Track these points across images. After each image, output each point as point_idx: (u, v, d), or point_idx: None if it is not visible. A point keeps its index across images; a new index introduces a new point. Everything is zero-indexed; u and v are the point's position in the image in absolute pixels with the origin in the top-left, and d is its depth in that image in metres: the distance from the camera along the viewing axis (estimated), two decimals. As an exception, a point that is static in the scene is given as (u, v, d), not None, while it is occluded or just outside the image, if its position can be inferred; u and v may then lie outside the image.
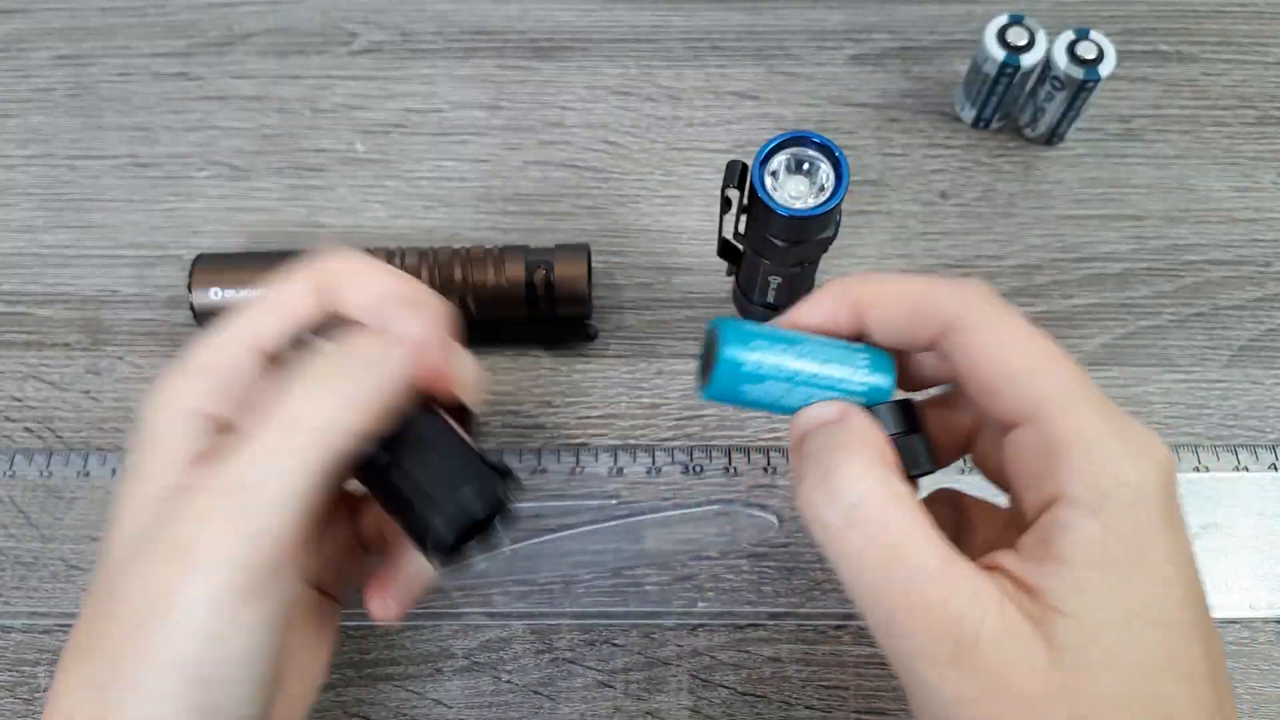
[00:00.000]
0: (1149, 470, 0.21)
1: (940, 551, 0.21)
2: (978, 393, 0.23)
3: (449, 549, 0.25)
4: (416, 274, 0.38)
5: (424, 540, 0.25)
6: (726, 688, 0.35)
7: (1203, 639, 0.21)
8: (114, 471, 0.38)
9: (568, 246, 0.39)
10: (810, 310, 0.25)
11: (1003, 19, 0.40)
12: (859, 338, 0.25)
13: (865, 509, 0.22)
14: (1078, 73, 0.40)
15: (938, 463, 0.25)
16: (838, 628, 0.36)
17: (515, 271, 0.38)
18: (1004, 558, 0.22)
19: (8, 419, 0.40)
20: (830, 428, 0.24)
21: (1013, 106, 0.43)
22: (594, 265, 0.40)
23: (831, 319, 0.25)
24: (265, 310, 0.26)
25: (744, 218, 0.35)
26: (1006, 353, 0.23)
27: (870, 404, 0.24)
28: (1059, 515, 0.21)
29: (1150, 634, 0.20)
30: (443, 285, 0.38)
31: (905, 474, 0.24)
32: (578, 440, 0.39)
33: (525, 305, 0.38)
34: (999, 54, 0.40)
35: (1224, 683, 0.21)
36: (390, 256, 0.38)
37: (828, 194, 0.33)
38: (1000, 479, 0.25)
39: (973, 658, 0.20)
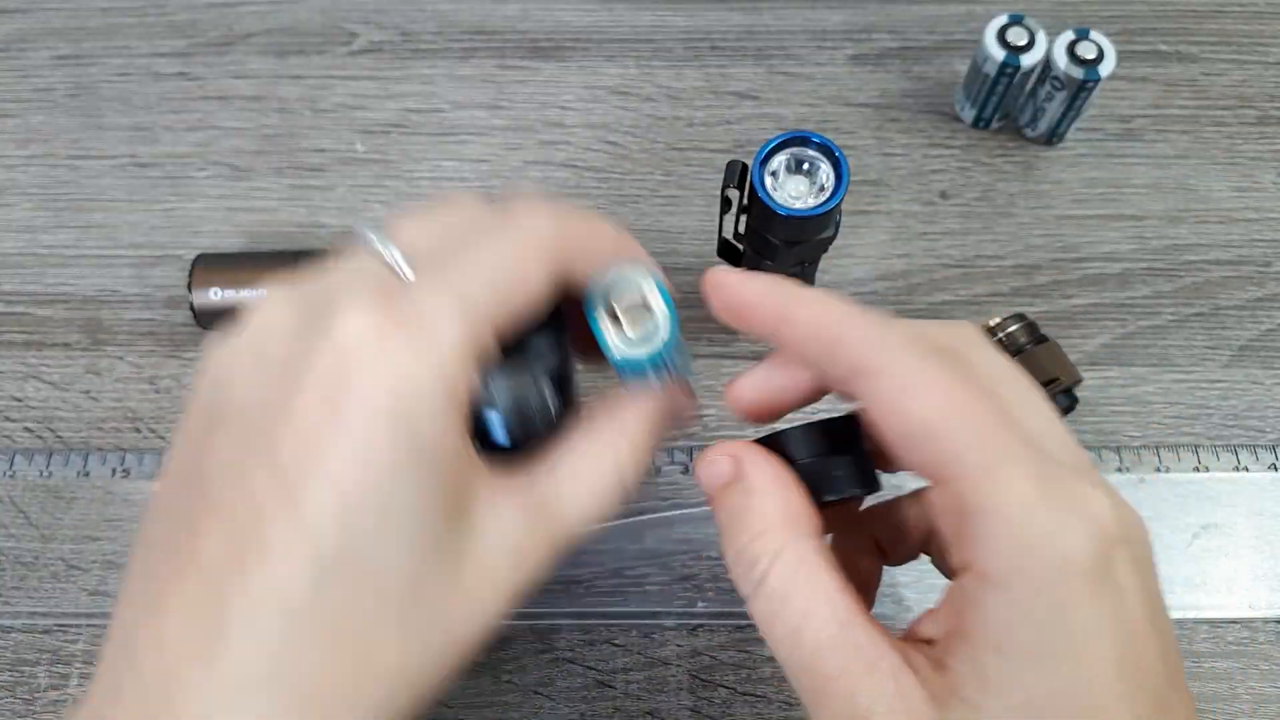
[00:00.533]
0: (1079, 540, 0.19)
1: (840, 620, 0.20)
2: (892, 447, 0.21)
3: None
4: None
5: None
6: (726, 687, 0.35)
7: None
8: (114, 471, 0.38)
9: None
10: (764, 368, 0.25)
11: (1003, 19, 0.40)
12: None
13: (767, 583, 0.21)
14: (1077, 73, 0.40)
15: (873, 483, 0.24)
16: (838, 628, 0.36)
17: None
18: (928, 622, 0.21)
19: (8, 419, 0.40)
20: (729, 491, 0.23)
21: (1013, 106, 0.43)
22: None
23: (779, 370, 0.24)
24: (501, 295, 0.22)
25: (744, 218, 0.35)
26: (918, 402, 0.20)
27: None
28: (967, 587, 0.20)
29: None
30: None
31: (819, 505, 0.23)
32: (578, 440, 0.39)
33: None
34: (999, 54, 0.40)
35: None
36: None
37: (828, 194, 0.33)
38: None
39: None
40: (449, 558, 0.20)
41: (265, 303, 0.21)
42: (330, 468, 0.18)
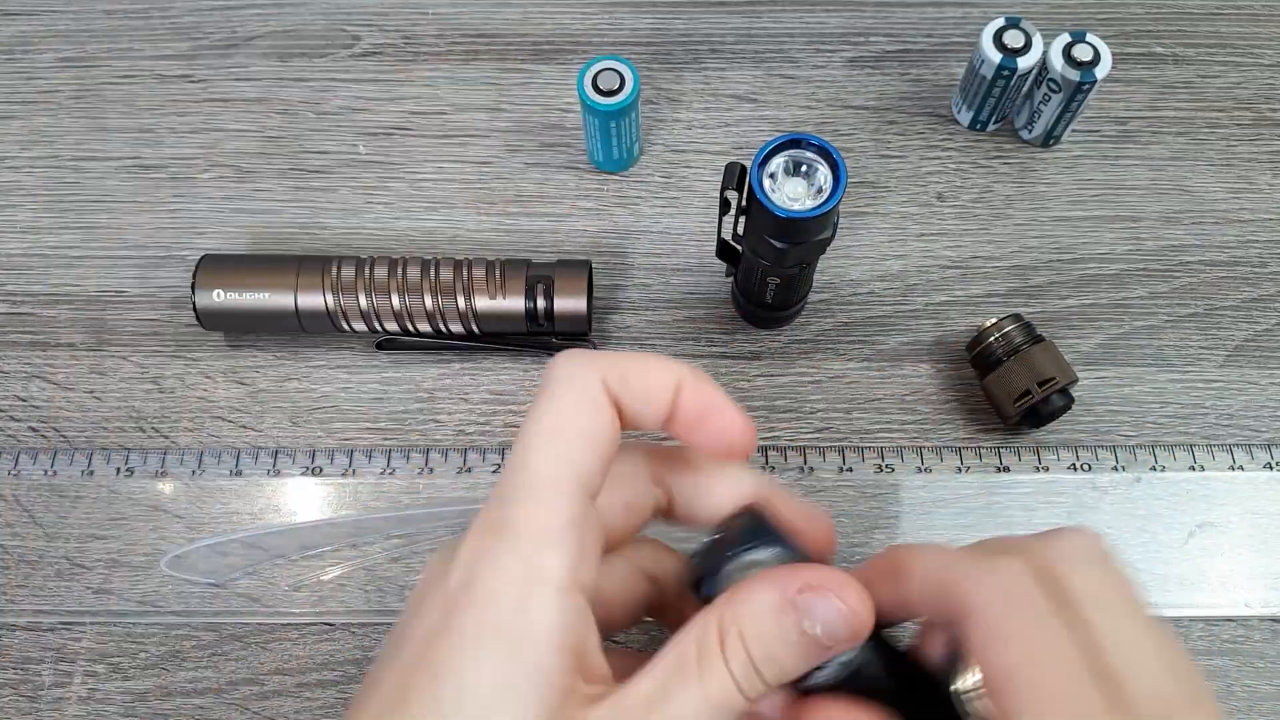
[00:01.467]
0: None
1: None
2: (990, 688, 0.21)
3: None
4: (418, 294, 0.38)
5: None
6: (725, 684, 0.35)
7: None
8: (118, 470, 0.38)
9: (568, 265, 0.39)
10: (864, 574, 0.24)
11: (999, 22, 0.41)
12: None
13: None
14: (1074, 75, 0.40)
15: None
16: (836, 625, 0.36)
17: (515, 297, 0.38)
18: None
19: (13, 419, 0.40)
20: None
21: (1009, 109, 0.44)
22: (594, 267, 0.41)
23: (877, 583, 0.24)
24: (579, 446, 0.23)
25: (742, 219, 0.35)
26: (1001, 655, 0.21)
27: None
28: None
29: None
30: (444, 310, 0.38)
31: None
32: (578, 439, 0.39)
33: (526, 323, 0.39)
34: (995, 57, 0.40)
35: None
36: (392, 266, 0.39)
37: (825, 195, 0.33)
38: None
39: None
40: None
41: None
42: (430, 665, 0.21)
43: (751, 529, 0.24)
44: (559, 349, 0.40)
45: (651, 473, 0.26)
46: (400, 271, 0.38)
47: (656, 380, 0.24)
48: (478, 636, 0.21)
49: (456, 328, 0.39)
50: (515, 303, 0.38)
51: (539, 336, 0.40)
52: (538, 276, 0.38)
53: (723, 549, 0.24)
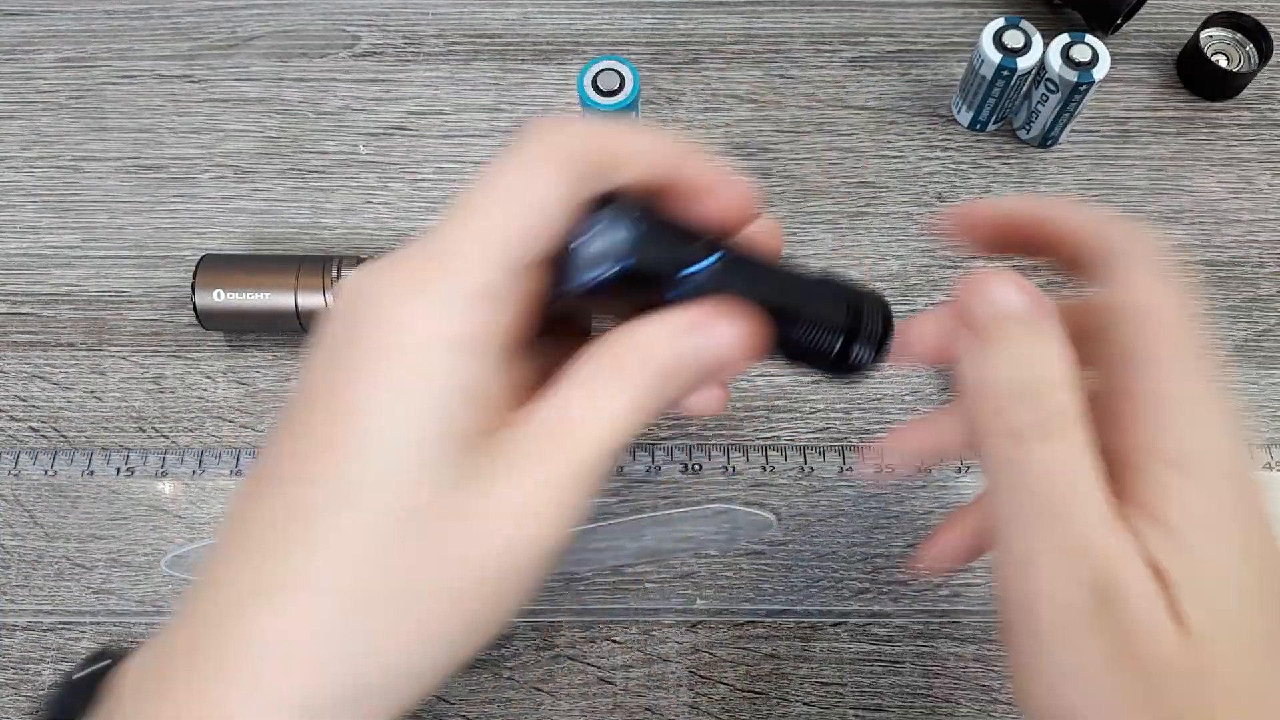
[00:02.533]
0: (1236, 442, 0.21)
1: (1105, 499, 0.20)
2: (1103, 324, 0.23)
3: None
4: None
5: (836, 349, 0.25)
6: (725, 684, 0.35)
7: None
8: (118, 470, 0.39)
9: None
10: (1001, 204, 0.25)
11: (999, 22, 0.41)
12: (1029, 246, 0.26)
13: (1055, 442, 0.21)
14: (1071, 75, 0.40)
15: None
16: (835, 625, 0.36)
17: None
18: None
19: (13, 418, 0.40)
20: (1020, 325, 0.23)
21: (1009, 109, 0.44)
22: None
23: (1013, 214, 0.25)
24: (513, 215, 0.22)
25: None
26: (1141, 295, 0.22)
27: None
28: (1151, 473, 0.20)
29: (1265, 607, 0.19)
30: None
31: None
32: (578, 439, 0.39)
33: None
34: (995, 57, 0.40)
35: None
36: None
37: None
38: None
39: (1110, 615, 0.19)
40: (458, 496, 0.20)
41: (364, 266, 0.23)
42: (337, 405, 0.21)
43: (601, 207, 0.23)
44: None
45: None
46: None
47: (653, 159, 0.23)
48: (390, 382, 0.21)
49: None
50: None
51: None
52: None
53: (568, 239, 0.23)
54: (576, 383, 0.22)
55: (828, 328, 0.25)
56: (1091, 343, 0.23)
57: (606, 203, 0.23)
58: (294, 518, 0.20)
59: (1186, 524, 0.20)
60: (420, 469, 0.20)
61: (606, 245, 0.22)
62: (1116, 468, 0.21)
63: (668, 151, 0.23)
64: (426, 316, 0.21)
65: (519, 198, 0.22)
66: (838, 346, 0.25)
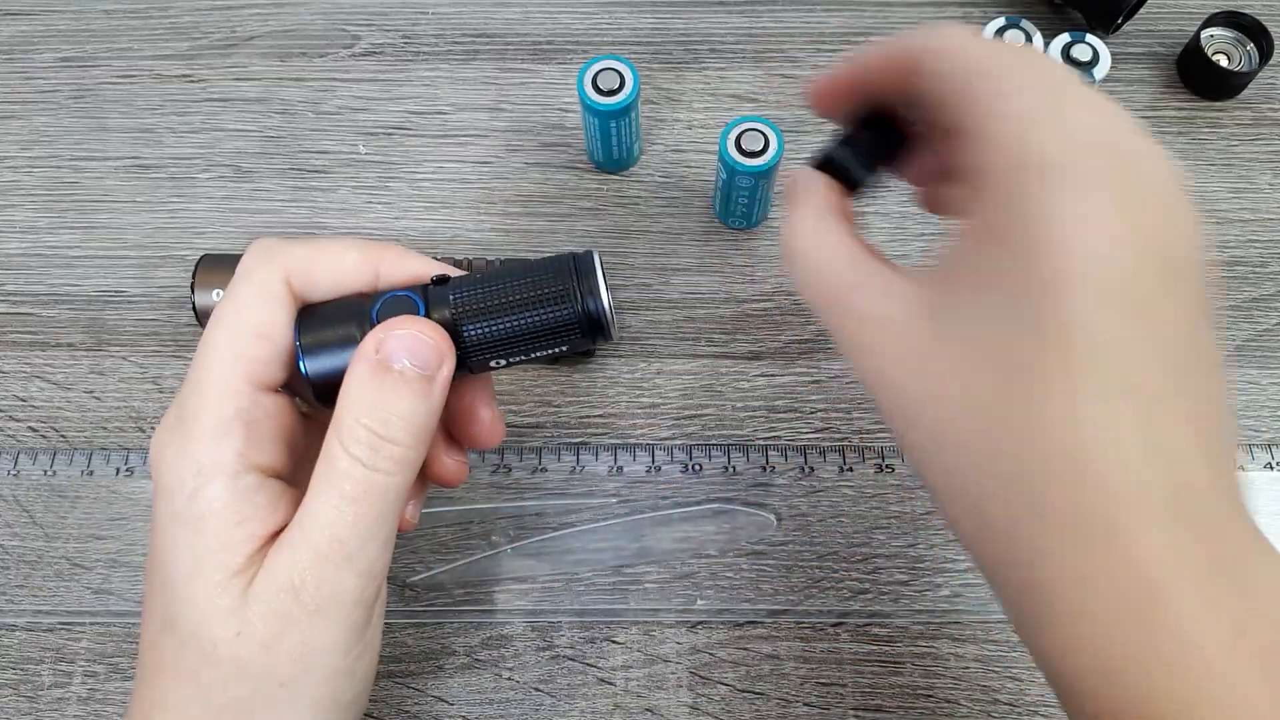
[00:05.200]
0: (1061, 144, 0.20)
1: (857, 262, 0.24)
2: (949, 84, 0.23)
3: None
4: None
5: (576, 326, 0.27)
6: (725, 685, 0.35)
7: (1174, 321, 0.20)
8: (118, 470, 0.38)
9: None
10: (836, 71, 0.26)
11: (999, 22, 0.41)
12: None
13: (796, 245, 0.25)
14: (1074, 75, 0.40)
15: (881, 162, 0.27)
16: (835, 625, 0.36)
17: None
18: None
19: (12, 419, 0.40)
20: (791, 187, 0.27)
21: (1010, 109, 0.44)
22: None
23: (849, 75, 0.26)
24: (248, 335, 0.26)
25: None
26: (956, 54, 0.23)
27: None
28: (964, 196, 0.22)
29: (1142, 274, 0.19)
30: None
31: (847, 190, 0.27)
32: (577, 440, 0.39)
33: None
34: (996, 56, 0.40)
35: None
36: None
37: None
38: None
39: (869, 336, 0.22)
40: (234, 619, 0.24)
41: None
42: (151, 552, 0.27)
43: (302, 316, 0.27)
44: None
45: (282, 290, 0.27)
46: None
47: (351, 266, 0.26)
48: (170, 527, 0.25)
49: None
50: None
51: None
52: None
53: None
54: (312, 489, 0.25)
55: (553, 300, 0.26)
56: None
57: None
58: (154, 643, 0.25)
59: (967, 228, 0.21)
60: (202, 589, 0.24)
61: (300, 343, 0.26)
62: None
63: (363, 256, 0.27)
64: (188, 457, 0.25)
65: (241, 334, 0.25)
66: (570, 313, 0.26)
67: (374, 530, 0.24)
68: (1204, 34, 0.45)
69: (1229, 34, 0.45)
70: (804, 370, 0.40)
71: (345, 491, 0.24)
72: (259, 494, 0.25)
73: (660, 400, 0.40)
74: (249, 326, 0.25)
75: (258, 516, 0.25)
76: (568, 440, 0.39)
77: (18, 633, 0.36)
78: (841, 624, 0.36)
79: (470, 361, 0.26)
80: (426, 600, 0.37)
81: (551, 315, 0.26)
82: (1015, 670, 0.35)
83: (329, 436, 0.24)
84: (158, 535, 0.25)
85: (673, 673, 0.36)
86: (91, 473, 0.39)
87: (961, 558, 0.37)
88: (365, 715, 0.35)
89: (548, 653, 0.36)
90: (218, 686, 0.24)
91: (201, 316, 0.39)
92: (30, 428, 0.40)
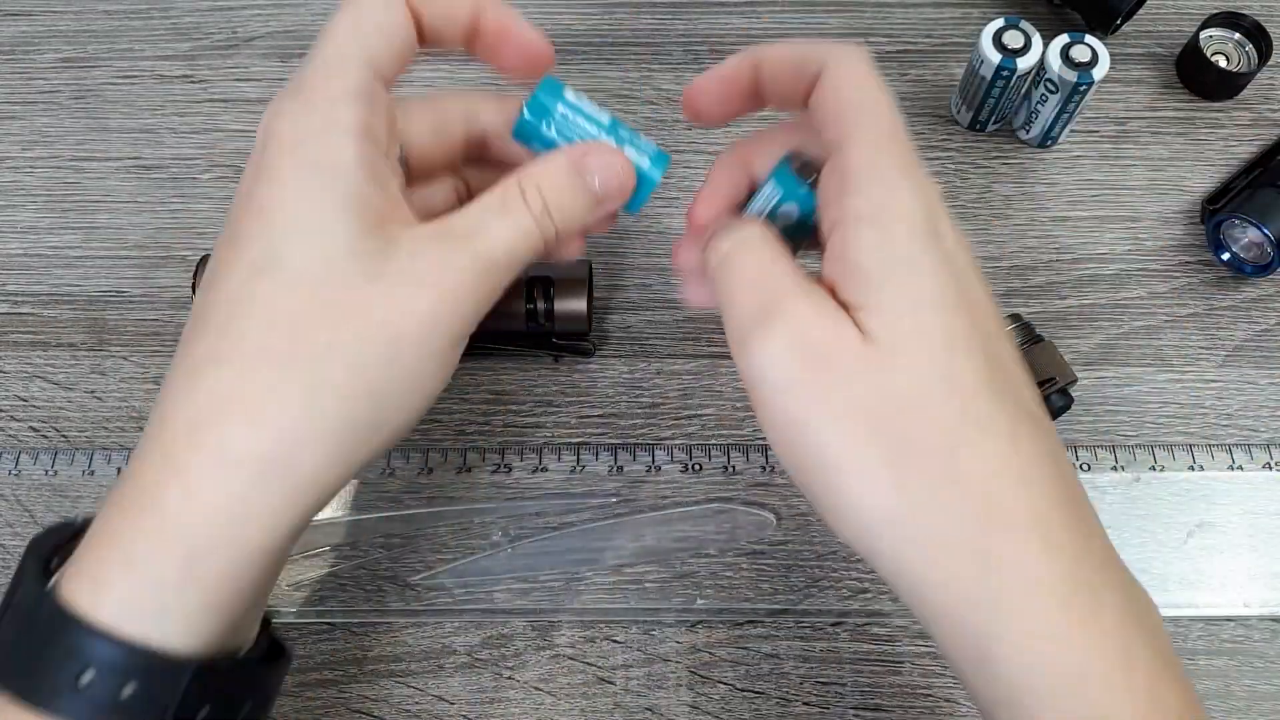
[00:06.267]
0: (916, 199, 0.25)
1: (791, 272, 0.25)
2: (819, 125, 0.27)
3: None
4: None
5: None
6: (725, 684, 0.35)
7: (980, 322, 0.24)
8: (119, 470, 0.39)
9: (568, 266, 0.39)
10: (721, 70, 0.29)
11: (999, 22, 0.41)
12: (758, 97, 0.29)
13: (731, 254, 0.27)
14: (1071, 76, 0.40)
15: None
16: (835, 624, 0.36)
17: (514, 298, 0.38)
18: (820, 277, 0.26)
19: (13, 419, 0.40)
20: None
21: (1009, 109, 0.44)
22: (595, 267, 0.41)
23: (735, 75, 0.29)
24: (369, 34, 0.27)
25: None
26: (843, 92, 0.26)
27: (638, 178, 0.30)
28: (847, 229, 0.25)
29: (935, 317, 0.24)
30: None
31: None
32: (578, 440, 0.39)
33: (525, 323, 0.39)
34: (995, 57, 0.40)
35: (996, 353, 0.24)
36: None
37: None
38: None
39: (789, 330, 0.24)
40: (368, 262, 0.25)
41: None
42: (255, 203, 0.25)
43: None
44: (560, 349, 0.40)
45: (463, 108, 0.32)
46: None
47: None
48: (295, 173, 0.25)
49: None
50: (514, 303, 0.38)
51: (538, 337, 0.40)
52: (536, 277, 0.38)
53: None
54: (480, 205, 0.27)
55: None
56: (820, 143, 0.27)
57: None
58: (236, 292, 0.25)
59: (873, 263, 0.24)
60: (334, 229, 0.24)
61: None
62: (831, 234, 0.25)
63: None
64: (317, 114, 0.25)
65: (376, 28, 0.27)
66: None
67: (502, 275, 0.27)
68: (1203, 34, 0.45)
69: (1228, 34, 0.45)
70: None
71: (515, 225, 0.27)
72: (382, 161, 0.26)
73: (660, 400, 0.40)
74: (374, 24, 0.27)
75: (391, 185, 0.26)
76: (568, 440, 0.39)
77: (19, 632, 0.36)
78: (841, 623, 0.36)
79: None
80: (427, 599, 0.37)
81: None
82: (1014, 669, 0.35)
83: (510, 180, 0.28)
84: (272, 185, 0.25)
85: (673, 672, 0.36)
86: (93, 473, 0.39)
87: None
88: (365, 715, 0.35)
89: (548, 652, 0.36)
90: (323, 326, 0.24)
91: (202, 316, 0.39)
92: (31, 428, 0.40)
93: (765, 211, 0.29)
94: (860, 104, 0.26)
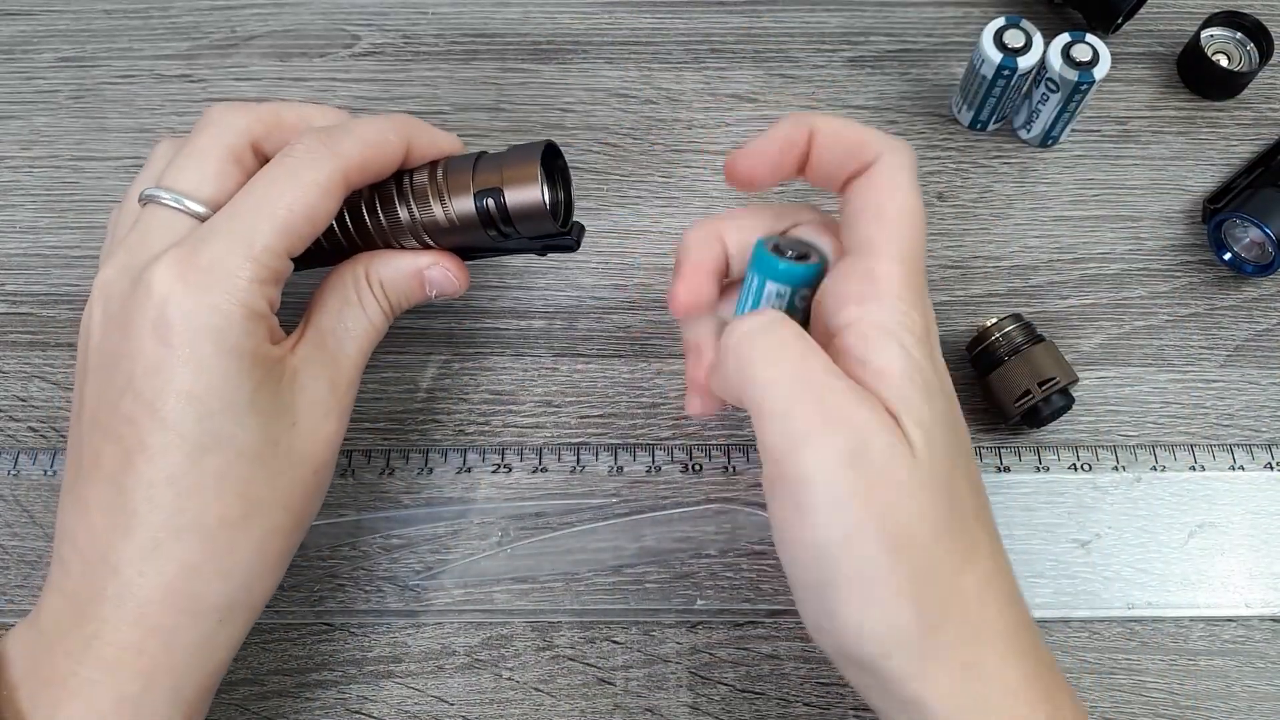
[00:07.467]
0: (927, 319, 0.27)
1: (840, 373, 0.26)
2: (852, 214, 0.28)
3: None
4: (356, 210, 0.33)
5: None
6: (725, 685, 0.35)
7: (965, 440, 0.27)
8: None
9: (519, 149, 0.32)
10: (773, 134, 0.29)
11: (999, 22, 0.41)
12: (803, 167, 0.30)
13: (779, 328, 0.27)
14: (1072, 75, 0.40)
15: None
16: (836, 625, 0.36)
17: (463, 197, 0.32)
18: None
19: (12, 419, 0.40)
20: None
21: (1009, 109, 0.44)
22: (595, 264, 0.40)
23: (792, 142, 0.29)
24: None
25: None
26: (893, 197, 0.27)
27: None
28: (869, 336, 0.26)
29: (947, 437, 0.26)
30: (390, 227, 0.33)
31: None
32: (578, 440, 0.39)
33: (484, 230, 0.33)
34: (996, 56, 0.40)
35: (976, 472, 0.27)
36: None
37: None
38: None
39: (853, 439, 0.24)
40: (282, 414, 0.29)
41: (102, 269, 0.29)
42: (176, 383, 0.27)
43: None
44: (540, 251, 0.35)
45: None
46: (352, 201, 0.33)
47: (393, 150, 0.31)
48: (217, 360, 0.27)
49: (412, 246, 0.34)
50: (464, 204, 0.32)
51: (510, 242, 0.34)
52: (483, 191, 0.32)
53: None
54: (326, 314, 0.31)
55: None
56: (845, 230, 0.29)
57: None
58: (180, 468, 0.27)
59: (901, 375, 0.25)
60: (255, 401, 0.28)
61: None
62: (845, 330, 0.26)
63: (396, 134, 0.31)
64: (220, 295, 0.27)
65: (287, 208, 0.28)
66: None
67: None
68: (1204, 34, 0.45)
69: (1229, 34, 0.45)
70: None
71: (370, 315, 0.32)
72: (264, 306, 0.29)
73: (660, 400, 0.40)
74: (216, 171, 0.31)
75: (269, 327, 0.29)
76: (568, 440, 0.39)
77: (18, 633, 0.36)
78: (841, 624, 0.36)
79: None
80: (426, 600, 0.37)
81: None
82: (1015, 670, 0.35)
83: (354, 274, 0.32)
84: (199, 374, 0.27)
85: (673, 673, 0.36)
86: (91, 473, 0.39)
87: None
88: (365, 716, 0.35)
89: (548, 653, 0.36)
90: (260, 481, 0.28)
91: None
92: (30, 428, 0.40)
93: (772, 299, 0.29)
94: (901, 217, 0.27)
